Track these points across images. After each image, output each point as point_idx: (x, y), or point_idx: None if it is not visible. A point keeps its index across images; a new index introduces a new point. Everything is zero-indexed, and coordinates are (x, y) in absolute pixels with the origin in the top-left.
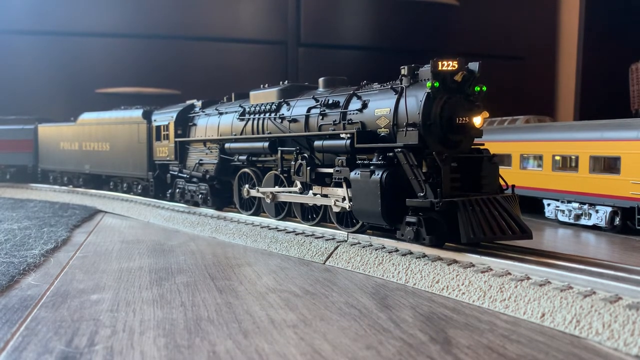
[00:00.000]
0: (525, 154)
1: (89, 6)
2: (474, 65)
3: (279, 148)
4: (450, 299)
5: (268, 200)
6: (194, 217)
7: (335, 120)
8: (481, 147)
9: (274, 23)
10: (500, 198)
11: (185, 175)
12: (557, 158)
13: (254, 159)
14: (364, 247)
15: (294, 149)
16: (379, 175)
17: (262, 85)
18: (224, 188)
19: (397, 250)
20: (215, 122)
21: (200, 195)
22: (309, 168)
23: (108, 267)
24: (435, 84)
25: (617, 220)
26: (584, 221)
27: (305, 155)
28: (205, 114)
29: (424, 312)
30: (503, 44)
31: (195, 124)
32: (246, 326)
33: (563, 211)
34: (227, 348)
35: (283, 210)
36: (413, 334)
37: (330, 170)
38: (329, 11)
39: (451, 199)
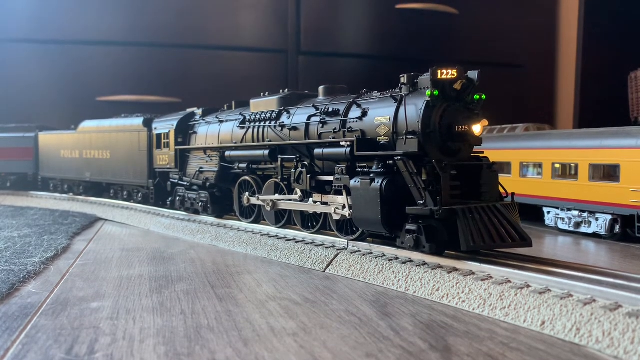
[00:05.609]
0: (525, 161)
1: (90, 14)
2: (473, 74)
3: (279, 156)
4: (450, 307)
5: (268, 208)
6: (194, 225)
7: (335, 129)
8: (481, 155)
9: (274, 31)
10: (500, 206)
11: (185, 183)
12: (557, 166)
13: (254, 166)
14: (364, 254)
15: (294, 156)
16: (379, 183)
17: (262, 94)
18: (224, 196)
19: (397, 258)
20: (216, 130)
21: (200, 203)
22: (309, 176)
23: (108, 275)
24: (434, 93)
25: (617, 228)
26: (583, 229)
27: (306, 163)
28: (206, 122)
29: (424, 320)
30: (502, 52)
31: (195, 132)
32: (246, 334)
33: (563, 219)
34: (227, 356)
35: (283, 218)
36: (413, 342)
37: (331, 178)
38: (329, 20)
39: (451, 206)
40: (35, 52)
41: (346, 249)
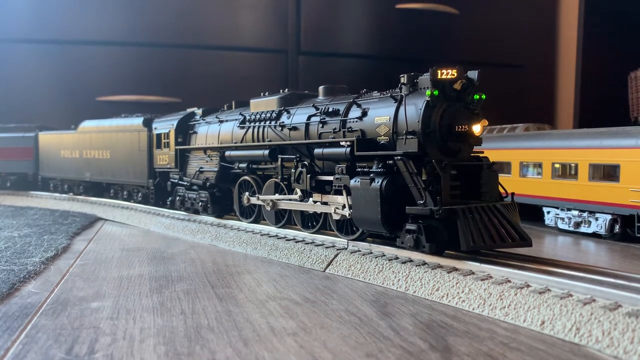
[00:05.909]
0: (525, 161)
1: (90, 14)
2: (473, 74)
3: (279, 156)
4: (450, 307)
5: (268, 208)
6: (194, 225)
7: (335, 128)
8: (481, 154)
9: (274, 31)
10: (500, 206)
11: (185, 183)
12: (557, 166)
13: (254, 166)
14: (364, 254)
15: (294, 156)
16: (379, 183)
17: (262, 94)
18: (224, 196)
19: (397, 258)
20: (216, 130)
21: (200, 203)
22: (309, 176)
23: (108, 275)
24: (434, 92)
25: (616, 228)
26: (583, 229)
27: (306, 163)
28: (206, 122)
29: (424, 319)
30: (502, 52)
31: (195, 132)
32: (246, 334)
33: (563, 219)
34: (227, 356)
35: (283, 218)
36: (413, 341)
37: (330, 177)
38: (329, 19)
39: (451, 206)
40: (35, 52)
41: (346, 248)
